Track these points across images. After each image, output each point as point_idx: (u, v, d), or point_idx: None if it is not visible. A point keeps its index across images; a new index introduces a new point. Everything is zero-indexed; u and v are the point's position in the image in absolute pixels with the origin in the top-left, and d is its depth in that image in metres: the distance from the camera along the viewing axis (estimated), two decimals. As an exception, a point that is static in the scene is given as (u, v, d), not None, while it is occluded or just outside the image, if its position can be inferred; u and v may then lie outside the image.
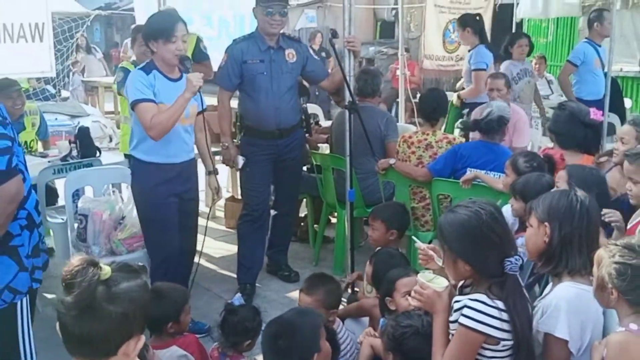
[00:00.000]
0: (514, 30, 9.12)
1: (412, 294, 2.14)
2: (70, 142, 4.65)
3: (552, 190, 2.29)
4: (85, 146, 4.59)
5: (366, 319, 3.15)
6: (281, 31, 4.14)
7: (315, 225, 5.12)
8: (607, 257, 1.83)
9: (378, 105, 4.90)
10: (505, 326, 1.99)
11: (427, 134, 4.31)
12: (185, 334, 2.94)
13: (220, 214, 5.86)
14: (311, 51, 4.36)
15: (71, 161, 4.43)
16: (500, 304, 1.98)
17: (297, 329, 2.21)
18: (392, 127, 4.56)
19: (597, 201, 2.29)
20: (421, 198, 4.25)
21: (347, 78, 4.00)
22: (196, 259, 3.84)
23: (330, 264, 4.77)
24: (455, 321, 2.04)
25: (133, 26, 5.17)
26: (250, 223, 4.25)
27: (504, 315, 1.99)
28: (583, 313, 2.02)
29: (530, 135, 5.38)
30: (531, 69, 6.51)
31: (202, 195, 6.30)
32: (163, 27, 3.32)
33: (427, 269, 2.36)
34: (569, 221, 2.12)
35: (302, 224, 5.44)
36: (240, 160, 4.21)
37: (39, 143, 5.02)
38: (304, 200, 5.21)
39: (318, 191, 4.87)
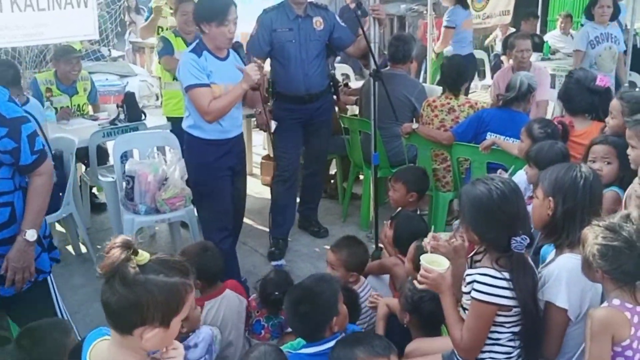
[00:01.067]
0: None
1: (419, 277, 2.18)
2: (117, 106, 4.74)
3: (563, 165, 2.25)
4: (131, 110, 4.67)
5: (387, 276, 3.22)
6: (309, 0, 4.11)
7: (344, 183, 5.16)
8: (591, 237, 1.85)
9: (409, 72, 4.84)
10: (514, 294, 2.01)
11: (450, 98, 4.27)
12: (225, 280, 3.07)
13: (257, 171, 5.96)
14: (338, 18, 4.30)
15: (119, 125, 4.54)
16: (507, 275, 2.01)
17: (316, 295, 2.28)
18: (422, 100, 4.50)
19: None
20: (442, 160, 4.24)
21: (372, 45, 3.98)
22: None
23: (357, 219, 4.83)
24: (468, 293, 2.07)
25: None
26: (282, 183, 4.32)
27: (510, 284, 2.01)
28: (582, 283, 2.03)
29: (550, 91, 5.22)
30: (616, 34, 5.63)
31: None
32: (217, 9, 3.24)
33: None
34: (572, 196, 2.11)
35: (332, 181, 5.50)
36: (273, 125, 4.24)
37: (90, 107, 5.12)
38: (334, 159, 5.25)
39: (346, 152, 4.90)
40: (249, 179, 5.89)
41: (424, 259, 2.18)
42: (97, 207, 5.13)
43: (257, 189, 5.52)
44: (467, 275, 2.09)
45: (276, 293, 2.83)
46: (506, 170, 3.35)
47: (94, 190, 5.19)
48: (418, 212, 3.60)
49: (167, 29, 5.14)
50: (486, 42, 10.42)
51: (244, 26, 4.21)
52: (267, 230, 4.49)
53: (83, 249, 4.42)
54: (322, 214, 4.93)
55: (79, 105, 5.04)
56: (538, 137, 3.24)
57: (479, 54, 9.19)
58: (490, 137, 3.80)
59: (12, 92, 3.63)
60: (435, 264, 2.16)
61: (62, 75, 4.90)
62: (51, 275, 2.63)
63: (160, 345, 1.55)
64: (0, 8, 5.20)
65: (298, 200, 4.69)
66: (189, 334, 2.55)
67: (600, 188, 2.19)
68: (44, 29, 5.55)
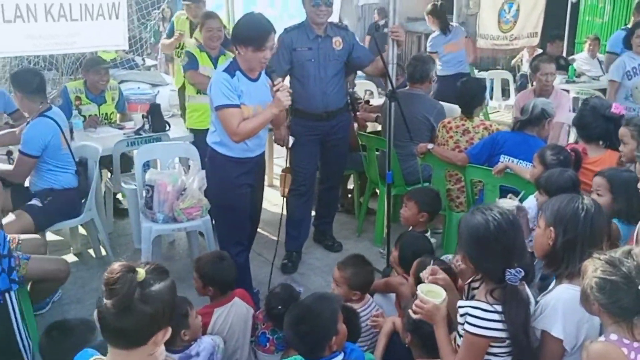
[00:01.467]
0: (569, 11, 8.73)
1: (414, 307, 2.19)
2: (143, 117, 4.85)
3: (566, 195, 2.23)
4: (156, 121, 4.79)
5: (394, 295, 3.22)
6: (329, 20, 4.15)
7: (360, 198, 5.18)
8: (590, 270, 1.83)
9: (428, 91, 4.85)
10: (503, 326, 2.01)
11: (465, 120, 4.28)
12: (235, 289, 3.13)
13: (277, 182, 6.01)
14: (357, 38, 4.34)
15: (143, 135, 4.64)
16: (499, 308, 2.01)
17: (316, 315, 2.30)
18: (441, 120, 4.51)
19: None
20: (456, 180, 4.24)
21: (391, 66, 4.00)
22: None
23: (372, 235, 4.84)
24: (462, 324, 2.08)
25: (203, 12, 5.27)
26: (298, 197, 4.36)
27: (503, 317, 2.01)
28: (578, 314, 2.02)
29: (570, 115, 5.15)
30: None
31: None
32: (256, 36, 3.25)
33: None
34: (572, 227, 2.11)
35: (349, 196, 5.52)
36: (291, 140, 4.29)
37: (118, 115, 5.24)
38: (352, 175, 5.28)
39: (363, 168, 4.92)
40: (268, 190, 6.01)
41: (421, 289, 2.19)
42: (121, 213, 5.23)
43: (276, 200, 5.54)
44: (460, 307, 2.10)
45: (279, 307, 2.86)
46: (517, 195, 3.33)
47: (119, 195, 5.30)
48: (428, 232, 3.59)
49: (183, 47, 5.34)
50: (512, 62, 10.36)
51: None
52: (283, 241, 4.51)
53: (104, 252, 4.51)
54: (338, 228, 4.95)
55: (106, 114, 5.16)
56: (550, 164, 3.23)
57: (504, 74, 9.15)
58: (504, 159, 3.78)
59: (36, 100, 3.80)
60: (432, 294, 2.17)
61: (91, 85, 5.04)
62: (12, 295, 2.50)
63: (167, 338, 1.66)
64: (36, 18, 5.41)
65: (314, 213, 4.73)
66: (191, 342, 2.58)
67: (602, 221, 2.17)
68: (77, 38, 5.74)
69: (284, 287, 3.06)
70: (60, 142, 3.87)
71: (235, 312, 2.92)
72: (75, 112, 4.82)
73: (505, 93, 9.33)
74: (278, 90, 3.31)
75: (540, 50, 8.66)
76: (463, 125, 4.25)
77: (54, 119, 3.84)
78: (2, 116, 4.60)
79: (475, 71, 10.71)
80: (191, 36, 5.42)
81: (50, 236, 4.62)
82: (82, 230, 4.60)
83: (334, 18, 4.36)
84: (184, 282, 4.12)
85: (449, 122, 4.33)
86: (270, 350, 2.97)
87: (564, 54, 8.80)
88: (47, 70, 9.40)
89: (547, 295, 2.15)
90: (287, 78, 4.30)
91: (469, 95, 4.28)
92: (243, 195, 3.56)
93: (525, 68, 9.20)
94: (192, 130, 4.82)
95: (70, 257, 4.53)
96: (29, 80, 3.81)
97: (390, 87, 3.86)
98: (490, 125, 4.24)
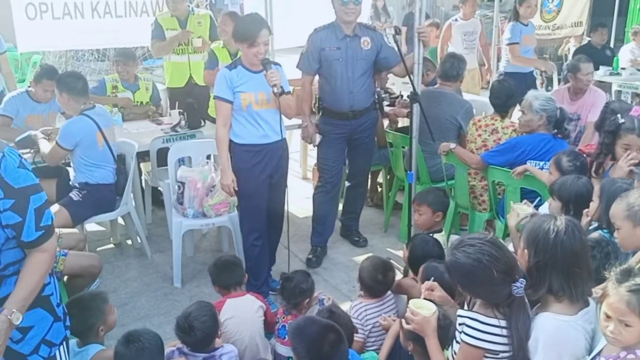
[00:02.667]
0: (617, 5, 8.38)
1: (405, 318, 2.22)
2: (180, 113, 4.98)
3: (544, 215, 2.20)
4: (191, 118, 4.91)
5: (405, 297, 3.24)
6: (358, 20, 4.16)
7: (390, 193, 5.18)
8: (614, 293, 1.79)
9: (458, 91, 4.79)
10: (503, 340, 2.02)
11: (495, 120, 4.21)
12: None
13: (311, 175, 6.08)
14: (385, 39, 4.32)
15: (179, 132, 4.78)
16: (496, 322, 2.02)
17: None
18: (469, 119, 4.46)
19: None
20: (481, 178, 4.18)
21: (416, 66, 3.99)
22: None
23: (398, 231, 4.85)
24: (460, 332, 2.11)
25: (223, 12, 5.41)
26: (324, 193, 4.41)
27: (503, 331, 2.02)
28: (561, 345, 1.98)
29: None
30: None
31: (297, 156, 6.62)
32: (248, 33, 3.43)
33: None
34: (542, 250, 2.04)
35: (379, 190, 5.54)
36: (318, 138, 4.35)
37: (152, 107, 5.45)
38: (381, 170, 5.29)
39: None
40: (302, 183, 6.12)
41: (412, 303, 2.23)
42: (161, 203, 5.41)
43: (309, 194, 5.59)
44: (459, 316, 2.12)
45: (286, 273, 3.12)
46: (532, 200, 3.28)
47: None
48: (442, 231, 3.58)
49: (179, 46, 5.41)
50: (560, 50, 10.04)
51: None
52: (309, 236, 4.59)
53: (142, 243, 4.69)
54: (365, 223, 4.98)
55: (141, 102, 5.38)
56: (566, 170, 3.17)
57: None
58: (530, 164, 3.72)
59: (79, 100, 3.98)
60: (423, 308, 2.20)
61: (122, 74, 5.28)
62: (63, 347, 2.24)
63: None
64: (82, 15, 5.65)
65: (341, 208, 4.78)
66: (216, 347, 2.72)
67: (575, 242, 2.04)
68: (120, 35, 6.01)
69: (300, 270, 3.26)
70: (95, 140, 4.03)
71: (246, 304, 3.06)
72: (114, 109, 5.00)
73: (549, 83, 9.05)
74: (268, 78, 3.45)
75: (587, 39, 8.35)
76: (493, 124, 4.18)
77: (92, 118, 4.01)
78: (56, 115, 4.81)
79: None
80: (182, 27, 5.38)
81: (93, 226, 4.87)
82: (121, 221, 4.80)
83: (362, 18, 4.32)
84: (213, 273, 4.29)
85: (479, 120, 4.27)
86: (289, 342, 3.06)
87: (611, 44, 8.45)
88: (100, 62, 9.80)
89: (534, 320, 2.12)
90: (316, 77, 4.35)
91: (505, 94, 4.20)
92: (259, 186, 3.66)
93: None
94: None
95: (110, 247, 4.76)
96: (74, 82, 4.00)
97: (413, 89, 3.84)
98: (520, 128, 4.14)
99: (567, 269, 2.01)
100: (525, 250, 2.10)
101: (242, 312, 3.03)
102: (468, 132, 4.35)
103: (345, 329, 2.71)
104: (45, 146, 4.13)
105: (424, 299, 2.41)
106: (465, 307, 2.24)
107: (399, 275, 3.86)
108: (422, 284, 2.46)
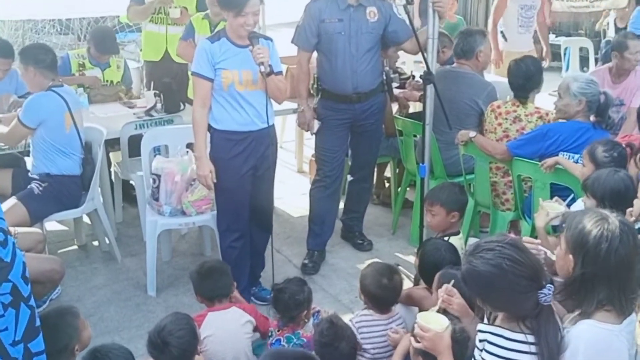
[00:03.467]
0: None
1: (415, 337, 2.23)
2: (155, 95, 4.98)
3: (594, 213, 2.17)
4: (169, 100, 4.91)
5: (417, 308, 3.25)
6: None
7: (399, 189, 5.19)
8: None
9: (479, 70, 4.79)
10: (532, 358, 2.03)
11: (517, 106, 4.20)
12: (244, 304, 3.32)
13: (307, 168, 6.08)
14: (395, 10, 4.32)
15: (154, 116, 4.78)
16: (522, 337, 2.03)
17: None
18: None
19: None
20: (504, 173, 4.19)
21: (430, 42, 3.99)
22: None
23: (407, 232, 4.86)
24: (480, 350, 2.11)
25: None
26: (323, 189, 4.42)
27: (531, 348, 2.02)
28: (602, 356, 2.00)
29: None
30: None
31: (291, 146, 6.63)
32: (236, 0, 3.43)
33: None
34: (591, 260, 2.03)
35: (386, 186, 5.55)
36: (316, 125, 4.34)
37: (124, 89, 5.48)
38: (389, 163, 5.30)
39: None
40: (297, 177, 6.13)
41: (420, 318, 2.24)
42: (133, 199, 5.40)
43: (304, 189, 5.60)
44: (480, 331, 2.13)
45: (279, 284, 3.11)
46: (564, 198, 3.29)
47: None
48: (459, 234, 3.59)
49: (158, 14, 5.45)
50: (597, 26, 10.05)
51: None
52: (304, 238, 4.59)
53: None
54: (370, 224, 5.00)
55: (111, 81, 5.41)
56: (601, 162, 3.18)
57: (583, 42, 8.90)
58: (562, 156, 3.72)
59: (48, 76, 3.98)
60: (433, 323, 2.21)
61: (95, 55, 5.30)
62: None
63: None
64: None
65: (342, 206, 4.79)
66: None
67: (630, 249, 2.03)
68: (85, 3, 6.06)
69: (295, 277, 3.28)
70: (62, 121, 4.03)
71: (231, 318, 3.06)
72: (79, 89, 4.99)
73: (584, 63, 9.06)
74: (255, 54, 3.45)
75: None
76: (515, 111, 4.18)
77: (61, 96, 4.01)
78: (9, 97, 4.80)
79: (552, 36, 10.48)
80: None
81: (54, 225, 4.87)
82: (87, 219, 4.80)
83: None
84: (193, 280, 4.29)
85: (498, 107, 4.27)
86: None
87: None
88: (62, 35, 9.78)
89: (569, 332, 2.13)
90: (315, 54, 4.35)
91: (523, 76, 4.19)
92: (239, 180, 3.67)
93: (612, 33, 8.92)
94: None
95: (74, 250, 4.76)
96: (42, 55, 4.01)
97: (426, 68, 3.84)
98: (547, 114, 4.14)
99: (619, 279, 2.01)
100: (570, 256, 2.10)
101: (225, 328, 3.03)
102: (486, 119, 4.35)
103: (346, 344, 2.72)
104: (1, 127, 4.14)
105: (439, 310, 2.42)
106: (486, 320, 2.25)
107: (408, 284, 3.89)
108: (439, 290, 2.47)
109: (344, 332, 2.76)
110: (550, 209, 3.10)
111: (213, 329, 2.99)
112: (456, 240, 3.47)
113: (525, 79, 4.17)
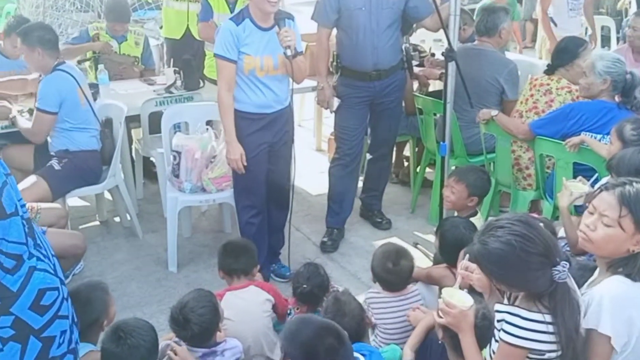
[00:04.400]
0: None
1: (439, 312, 2.20)
2: (175, 72, 4.95)
3: None
4: (189, 77, 4.87)
5: (437, 287, 3.22)
6: None
7: (418, 168, 5.13)
8: None
9: (501, 48, 4.69)
10: (549, 338, 2.00)
11: (551, 79, 4.12)
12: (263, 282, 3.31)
13: (326, 146, 6.04)
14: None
15: (174, 93, 4.74)
16: (540, 317, 1.99)
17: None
18: (513, 83, 4.40)
19: None
20: (528, 147, 4.11)
21: (452, 18, 3.91)
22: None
23: (427, 211, 4.81)
24: (498, 330, 2.08)
25: None
26: (342, 167, 4.37)
27: (549, 327, 1.99)
28: (629, 309, 1.99)
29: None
30: None
31: (310, 124, 6.59)
32: None
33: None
34: None
35: (405, 164, 5.49)
36: (335, 102, 4.29)
37: (142, 68, 5.46)
38: (408, 141, 5.24)
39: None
40: (316, 155, 6.09)
41: (445, 293, 2.20)
42: (154, 176, 5.39)
43: (323, 168, 5.56)
44: (497, 311, 2.09)
45: (304, 286, 3.00)
46: (588, 178, 3.22)
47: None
48: (477, 214, 3.54)
49: None
50: (619, 5, 9.86)
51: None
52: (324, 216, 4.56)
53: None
54: (389, 203, 4.96)
55: (127, 55, 5.36)
56: (629, 140, 3.10)
57: (604, 20, 8.70)
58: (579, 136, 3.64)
59: (53, 55, 3.94)
60: (457, 300, 2.17)
61: (110, 27, 5.28)
62: None
63: None
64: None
65: (361, 185, 4.74)
66: (218, 342, 2.71)
67: None
68: None
69: (307, 265, 3.17)
70: (77, 98, 4.02)
71: (249, 297, 3.04)
72: (100, 66, 4.97)
73: (605, 42, 8.87)
74: (281, 37, 3.40)
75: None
76: (548, 84, 4.10)
77: (69, 73, 4.00)
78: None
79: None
80: None
81: (75, 201, 4.87)
82: (108, 196, 4.80)
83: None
84: (214, 257, 4.23)
85: (535, 79, 4.21)
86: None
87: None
88: (83, 12, 9.73)
89: (592, 290, 2.10)
90: (334, 31, 4.28)
91: (556, 50, 4.17)
92: (256, 157, 3.64)
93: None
94: (211, 81, 4.94)
95: (95, 225, 4.77)
96: (47, 34, 3.97)
97: (448, 45, 3.76)
98: (576, 90, 4.06)
99: None
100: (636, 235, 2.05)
101: (244, 308, 3.01)
102: (523, 92, 4.29)
103: (350, 320, 2.66)
104: (24, 122, 4.12)
105: (460, 287, 2.38)
106: (505, 301, 2.21)
107: (427, 263, 3.86)
108: (459, 267, 2.44)
109: (348, 307, 2.71)
110: (574, 189, 3.06)
111: (232, 308, 2.96)
112: (475, 221, 3.39)
113: (556, 51, 4.11)
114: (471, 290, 2.43)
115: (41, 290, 1.91)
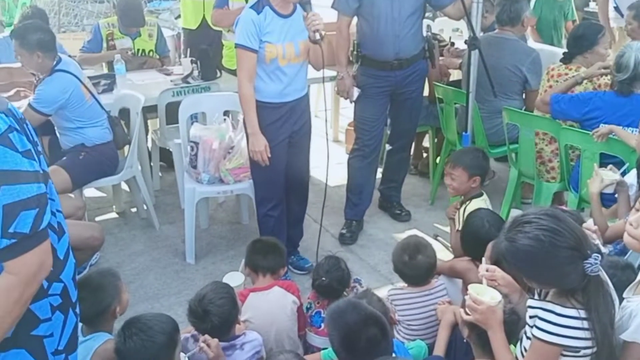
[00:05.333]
0: None
1: (466, 309, 2.13)
2: (192, 62, 4.89)
3: None
4: (205, 67, 4.82)
5: (460, 280, 3.15)
6: None
7: (437, 159, 5.06)
8: None
9: (523, 37, 4.60)
10: (585, 334, 1.93)
11: (570, 69, 4.02)
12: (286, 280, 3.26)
13: (343, 137, 5.97)
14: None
15: (191, 83, 4.69)
16: (574, 312, 1.92)
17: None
18: (536, 72, 4.30)
19: None
20: (550, 140, 4.03)
21: (475, 5, 3.83)
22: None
23: (446, 203, 4.72)
24: (531, 327, 2.02)
25: None
26: (361, 158, 4.31)
27: (584, 323, 1.92)
28: None
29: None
30: None
31: (327, 115, 6.50)
32: None
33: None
34: None
35: (424, 155, 5.41)
36: (356, 92, 4.21)
37: (158, 57, 5.41)
38: (427, 132, 5.16)
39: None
40: (332, 146, 6.00)
41: (472, 289, 2.14)
42: (171, 166, 5.31)
43: (340, 159, 5.49)
44: (530, 307, 2.02)
45: (323, 278, 2.94)
46: (618, 166, 3.14)
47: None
48: (483, 195, 3.48)
49: None
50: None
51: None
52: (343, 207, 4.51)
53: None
54: (408, 194, 4.89)
55: (143, 50, 5.31)
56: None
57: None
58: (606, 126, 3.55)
59: (52, 57, 3.85)
60: (485, 295, 2.11)
61: (125, 28, 5.22)
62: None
63: None
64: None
65: (379, 176, 4.67)
66: (237, 335, 2.67)
67: None
68: None
69: (328, 257, 3.11)
70: (82, 95, 3.95)
71: (272, 299, 2.96)
72: (117, 57, 4.92)
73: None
74: (310, 21, 3.33)
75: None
76: (566, 74, 4.00)
77: (69, 72, 3.91)
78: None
79: (593, 4, 10.11)
80: None
81: (92, 192, 4.84)
82: (125, 187, 4.77)
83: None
84: (231, 248, 4.25)
85: (552, 69, 4.11)
86: (325, 332, 2.99)
87: None
88: (98, 3, 9.71)
89: (636, 299, 2.02)
90: (355, 19, 4.20)
91: (572, 37, 4.06)
92: (275, 148, 3.58)
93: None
94: (229, 71, 4.91)
95: (112, 217, 4.74)
96: (46, 37, 3.84)
97: (471, 33, 3.68)
98: (598, 79, 3.96)
99: None
100: None
101: (266, 309, 2.94)
102: (541, 82, 4.20)
103: (376, 327, 2.60)
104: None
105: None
106: (536, 296, 2.14)
107: (447, 255, 3.79)
108: (480, 269, 2.36)
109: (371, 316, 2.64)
110: (605, 176, 2.99)
111: (254, 309, 2.90)
112: (480, 202, 3.43)
113: (574, 38, 4.01)
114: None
115: (75, 263, 1.89)
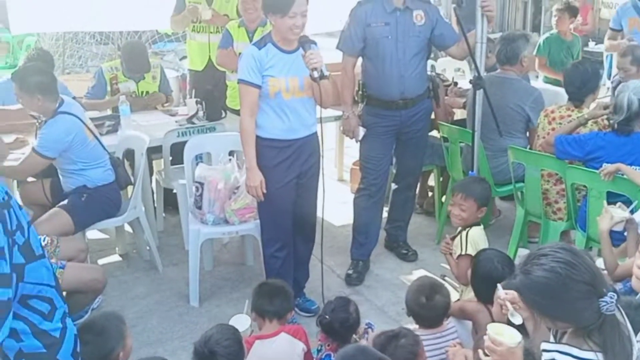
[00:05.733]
0: None
1: (485, 349, 2.08)
2: (197, 102, 4.91)
3: None
4: (211, 108, 4.83)
5: (470, 322, 3.10)
6: None
7: (442, 198, 5.03)
8: None
9: (524, 75, 4.63)
10: None
11: (572, 110, 4.03)
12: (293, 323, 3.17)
13: (347, 176, 5.95)
14: (442, 12, 4.18)
15: (196, 124, 4.70)
16: (592, 355, 1.86)
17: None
18: (538, 111, 4.30)
19: None
20: (556, 181, 4.01)
21: (479, 46, 3.85)
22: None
23: (453, 243, 4.69)
24: None
25: None
26: (367, 197, 4.28)
27: None
28: None
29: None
30: None
31: (331, 154, 6.52)
32: (282, 0, 3.30)
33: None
34: None
35: (429, 194, 5.39)
36: (361, 132, 4.21)
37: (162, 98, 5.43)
38: (432, 171, 5.14)
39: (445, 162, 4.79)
40: (338, 185, 6.01)
41: (491, 329, 2.08)
42: (175, 207, 5.26)
43: (345, 198, 5.47)
44: (545, 350, 1.97)
45: (326, 316, 2.89)
46: (625, 204, 3.11)
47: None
48: (480, 225, 3.50)
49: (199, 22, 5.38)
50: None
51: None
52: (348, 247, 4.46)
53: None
54: (414, 233, 4.85)
55: (147, 92, 5.34)
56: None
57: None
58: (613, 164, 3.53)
59: (54, 100, 3.83)
60: (504, 336, 2.06)
61: (129, 74, 5.26)
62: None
63: None
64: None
65: (385, 216, 4.64)
66: None
67: None
68: (124, 17, 6.08)
69: (339, 298, 3.06)
70: (85, 136, 3.93)
71: (277, 349, 2.88)
72: (122, 98, 4.94)
73: None
74: (308, 59, 3.32)
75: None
76: (569, 116, 4.00)
77: (73, 114, 3.89)
78: None
79: (592, 44, 10.20)
80: (209, 5, 5.32)
81: (95, 234, 4.80)
82: (128, 228, 4.73)
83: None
84: (236, 291, 4.19)
85: (552, 112, 4.11)
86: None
87: None
88: (102, 45, 9.82)
89: None
90: (360, 60, 4.22)
91: (580, 80, 4.01)
92: (283, 188, 3.56)
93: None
94: (233, 111, 4.95)
95: (115, 259, 4.69)
96: (46, 79, 3.84)
97: (475, 73, 3.69)
98: (602, 120, 3.95)
99: None
100: None
101: (271, 358, 2.87)
102: (539, 125, 4.19)
103: None
104: (9, 162, 3.98)
105: (508, 319, 2.27)
106: (551, 339, 2.09)
107: (455, 296, 3.73)
108: (499, 296, 2.32)
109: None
110: (615, 214, 2.97)
111: (260, 358, 2.83)
112: (479, 229, 3.45)
113: (582, 82, 3.99)
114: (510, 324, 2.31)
115: (75, 335, 1.86)
